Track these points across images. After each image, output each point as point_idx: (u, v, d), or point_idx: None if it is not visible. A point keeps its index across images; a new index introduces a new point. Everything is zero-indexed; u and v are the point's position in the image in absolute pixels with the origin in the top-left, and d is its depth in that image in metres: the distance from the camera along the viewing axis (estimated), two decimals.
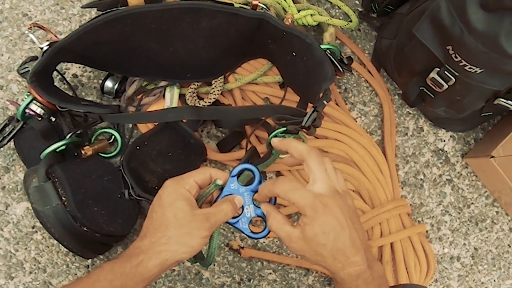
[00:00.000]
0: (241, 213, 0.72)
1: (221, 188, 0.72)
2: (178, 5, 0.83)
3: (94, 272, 0.68)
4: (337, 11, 1.13)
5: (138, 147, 0.97)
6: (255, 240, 1.05)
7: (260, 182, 0.72)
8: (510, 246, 1.15)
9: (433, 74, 0.92)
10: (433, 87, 0.94)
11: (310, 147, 0.69)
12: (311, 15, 1.02)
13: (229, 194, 0.72)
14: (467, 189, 1.14)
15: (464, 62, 0.85)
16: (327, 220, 0.64)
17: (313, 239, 0.65)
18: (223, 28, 0.90)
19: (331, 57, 0.94)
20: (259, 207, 0.72)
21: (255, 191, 0.73)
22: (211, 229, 0.68)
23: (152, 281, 0.68)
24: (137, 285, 0.66)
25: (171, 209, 0.67)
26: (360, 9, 1.13)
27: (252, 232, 0.73)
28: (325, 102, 0.88)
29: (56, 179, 0.87)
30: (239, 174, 0.73)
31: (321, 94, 0.89)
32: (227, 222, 0.72)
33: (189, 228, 0.66)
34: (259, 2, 0.94)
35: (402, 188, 1.12)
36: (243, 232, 0.73)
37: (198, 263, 0.76)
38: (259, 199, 0.73)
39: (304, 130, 0.87)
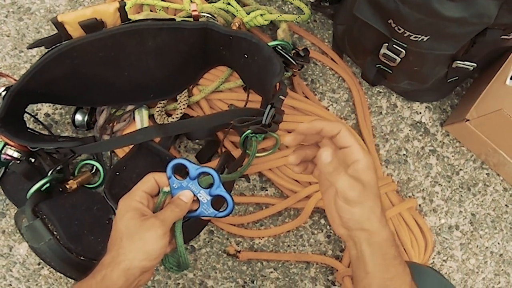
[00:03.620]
0: (199, 203, 0.74)
1: (171, 193, 0.74)
2: (119, 29, 0.86)
3: None
4: (289, 6, 1.15)
5: (117, 173, 0.99)
6: (251, 242, 1.07)
7: (194, 171, 0.73)
8: (508, 206, 1.13)
9: (384, 50, 0.92)
10: (388, 62, 0.94)
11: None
12: (261, 15, 1.03)
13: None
14: (452, 156, 1.13)
15: (408, 33, 0.85)
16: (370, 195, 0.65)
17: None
18: (170, 44, 0.91)
19: (282, 52, 0.95)
20: (208, 188, 0.73)
21: (194, 178, 0.73)
22: (164, 226, 0.69)
23: None
24: None
25: (122, 221, 0.69)
26: (312, 0, 1.14)
27: (217, 211, 0.74)
28: (281, 97, 0.89)
29: (44, 216, 0.91)
30: (173, 171, 0.74)
31: (276, 89, 0.90)
32: (195, 217, 0.74)
33: (140, 233, 0.67)
34: (201, 13, 0.95)
35: (387, 167, 1.11)
36: (212, 216, 0.74)
37: (175, 269, 0.76)
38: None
39: (268, 128, 0.88)
